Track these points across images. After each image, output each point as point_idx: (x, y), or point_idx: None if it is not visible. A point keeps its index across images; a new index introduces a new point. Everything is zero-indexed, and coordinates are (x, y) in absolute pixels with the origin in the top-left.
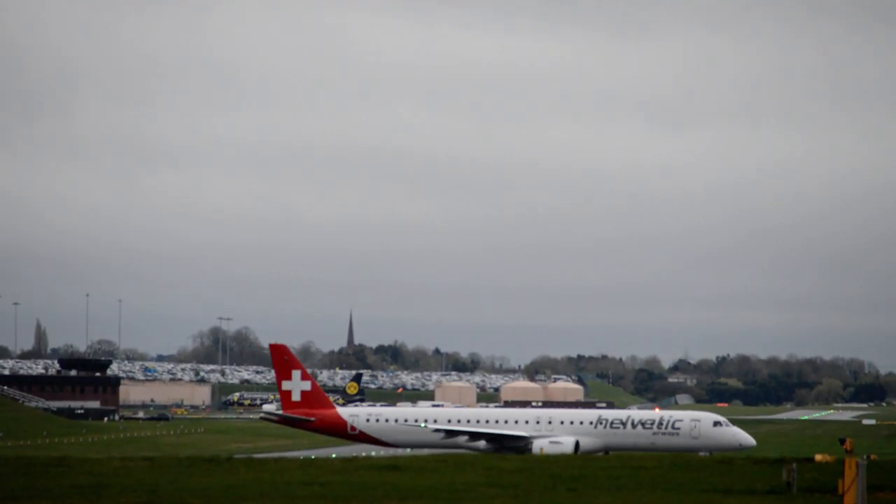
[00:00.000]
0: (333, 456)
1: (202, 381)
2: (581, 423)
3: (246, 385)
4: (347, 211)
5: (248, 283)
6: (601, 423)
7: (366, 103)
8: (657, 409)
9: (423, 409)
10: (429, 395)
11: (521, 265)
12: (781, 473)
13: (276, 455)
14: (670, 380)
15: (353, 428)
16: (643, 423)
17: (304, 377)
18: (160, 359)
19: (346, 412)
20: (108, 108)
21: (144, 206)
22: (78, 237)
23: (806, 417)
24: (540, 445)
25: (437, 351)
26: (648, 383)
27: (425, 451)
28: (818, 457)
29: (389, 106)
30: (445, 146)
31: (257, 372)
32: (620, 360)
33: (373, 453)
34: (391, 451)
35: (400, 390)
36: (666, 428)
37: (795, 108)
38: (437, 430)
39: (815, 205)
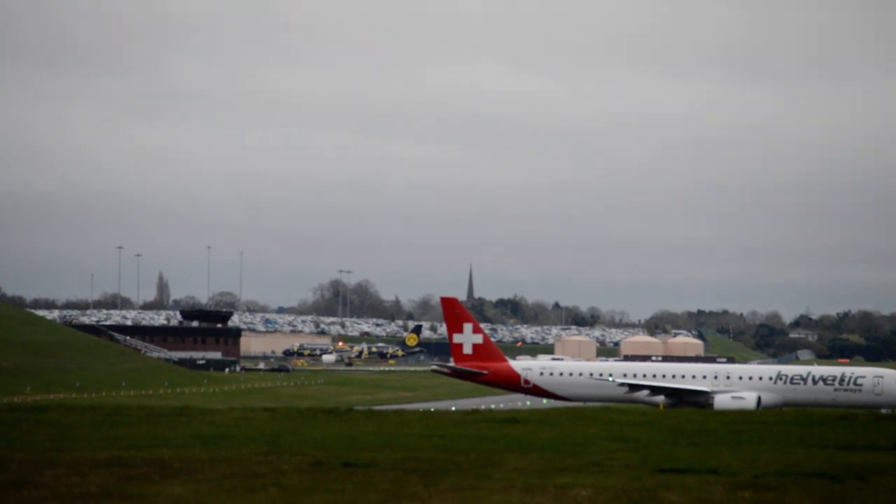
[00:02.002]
0: (453, 409)
1: (322, 332)
2: (760, 378)
3: (366, 337)
4: (460, 169)
5: (367, 238)
6: (780, 379)
7: (460, 63)
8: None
9: (598, 364)
10: (548, 349)
11: (640, 219)
12: None
13: (395, 407)
14: (791, 335)
15: (526, 381)
16: (824, 380)
17: (476, 330)
18: (281, 311)
19: (519, 365)
20: (208, 62)
21: (261, 160)
22: (200, 191)
23: None
24: (722, 401)
25: (556, 305)
26: (769, 339)
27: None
28: None
29: (485, 65)
30: (552, 103)
31: (377, 324)
32: (741, 315)
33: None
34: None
35: (519, 344)
36: (848, 384)
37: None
38: (623, 385)
39: None
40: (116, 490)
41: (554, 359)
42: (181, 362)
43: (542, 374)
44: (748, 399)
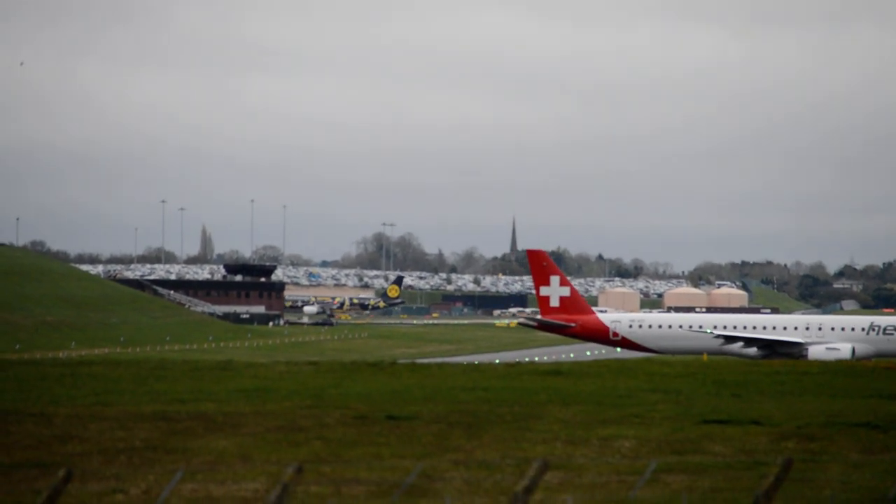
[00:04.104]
0: (497, 361)
1: (366, 286)
2: (853, 329)
3: (409, 290)
4: (500, 118)
5: (410, 190)
6: (874, 330)
7: (494, 10)
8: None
9: (689, 316)
10: (592, 301)
11: (684, 170)
12: None
13: (439, 360)
14: (835, 286)
15: (615, 334)
16: None
17: (563, 283)
18: (324, 264)
19: (607, 318)
20: (240, 11)
21: (303, 113)
22: (243, 143)
23: None
24: (816, 352)
25: (600, 257)
26: (813, 289)
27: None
28: None
29: (521, 13)
30: (586, 53)
31: (420, 277)
32: (785, 265)
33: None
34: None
35: None
36: None
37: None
38: (718, 336)
39: None
40: (161, 443)
41: (599, 311)
42: (225, 316)
43: (630, 326)
44: (843, 350)
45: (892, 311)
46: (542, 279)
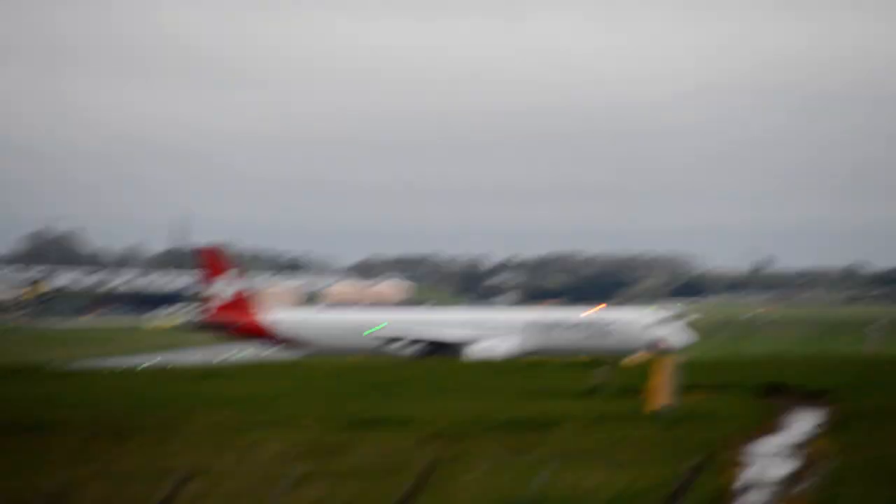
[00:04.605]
0: (143, 366)
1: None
2: (516, 325)
3: (65, 290)
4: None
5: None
6: (537, 326)
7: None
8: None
9: (354, 314)
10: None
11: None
12: (593, 376)
13: (88, 365)
14: (492, 280)
15: (279, 332)
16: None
17: (231, 280)
18: None
19: (272, 317)
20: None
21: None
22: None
23: None
24: (479, 349)
25: (264, 252)
26: (472, 282)
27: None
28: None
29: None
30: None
31: (76, 276)
32: (453, 258)
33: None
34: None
35: None
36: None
37: None
38: (381, 336)
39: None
40: None
41: (269, 309)
42: None
43: (295, 324)
44: (505, 346)
45: (550, 304)
46: (211, 276)
